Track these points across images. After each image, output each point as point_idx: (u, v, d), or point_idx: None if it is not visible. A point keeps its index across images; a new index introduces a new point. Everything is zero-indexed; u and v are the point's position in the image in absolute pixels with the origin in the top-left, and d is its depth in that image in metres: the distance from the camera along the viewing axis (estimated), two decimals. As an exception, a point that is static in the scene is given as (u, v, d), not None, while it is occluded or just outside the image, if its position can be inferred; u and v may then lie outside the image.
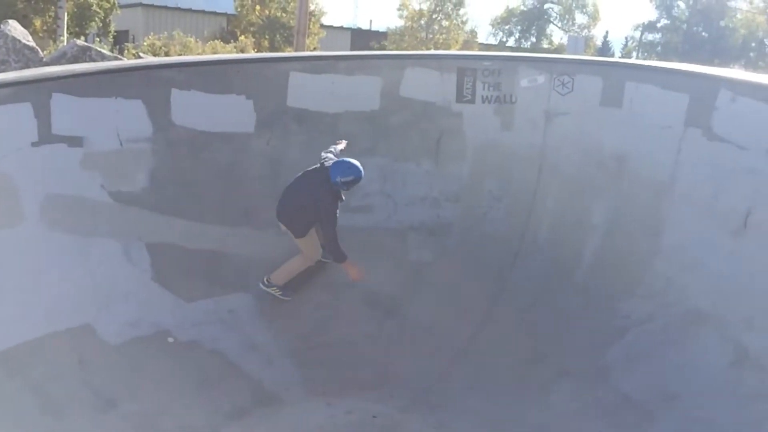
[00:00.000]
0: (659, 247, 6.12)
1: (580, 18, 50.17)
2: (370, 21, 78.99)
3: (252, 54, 23.89)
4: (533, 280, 6.66)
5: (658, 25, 49.50)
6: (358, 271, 6.33)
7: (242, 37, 31.52)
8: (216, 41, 29.37)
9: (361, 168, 6.14)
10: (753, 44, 46.29)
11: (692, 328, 5.39)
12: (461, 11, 42.71)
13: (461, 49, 37.20)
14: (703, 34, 46.13)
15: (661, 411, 4.85)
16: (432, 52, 19.98)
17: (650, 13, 74.62)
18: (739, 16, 45.81)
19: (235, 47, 28.33)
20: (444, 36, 40.94)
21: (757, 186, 5.61)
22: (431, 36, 40.80)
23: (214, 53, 24.76)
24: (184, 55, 23.07)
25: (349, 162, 6.18)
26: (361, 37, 44.25)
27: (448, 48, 37.37)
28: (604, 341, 5.73)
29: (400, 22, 42.00)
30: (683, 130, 6.36)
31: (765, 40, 46.33)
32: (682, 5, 48.09)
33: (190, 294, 6.54)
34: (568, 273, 6.47)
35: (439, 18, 41.82)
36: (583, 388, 5.43)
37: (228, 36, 34.77)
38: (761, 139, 5.66)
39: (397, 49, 34.10)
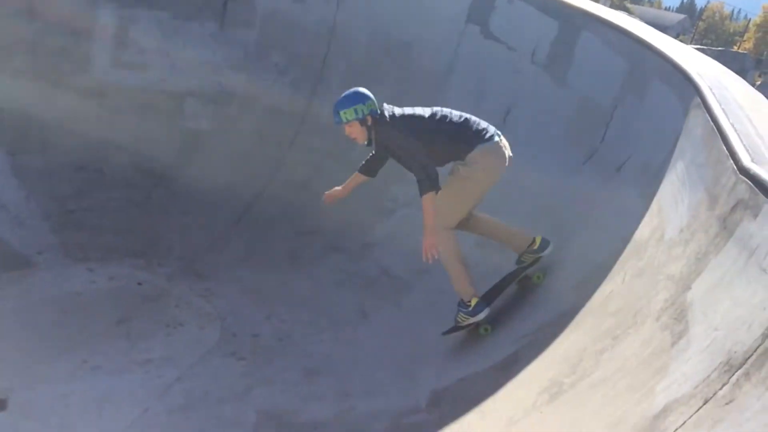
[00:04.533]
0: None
1: None
2: None
3: None
4: (312, 155, 6.74)
5: None
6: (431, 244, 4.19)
7: None
8: None
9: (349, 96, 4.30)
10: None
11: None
12: None
13: None
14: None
15: (415, 283, 5.33)
16: None
17: None
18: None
19: None
20: None
21: (519, 86, 6.12)
22: None
23: None
24: None
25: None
26: None
27: None
28: (372, 220, 6.07)
29: None
30: (464, 25, 6.66)
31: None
32: None
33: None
34: (345, 152, 6.63)
35: None
36: (348, 262, 5.76)
37: None
38: (528, 42, 6.13)
39: None
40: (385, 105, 4.35)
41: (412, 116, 4.32)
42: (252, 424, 3.93)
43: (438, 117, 4.32)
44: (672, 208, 3.52)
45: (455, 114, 4.36)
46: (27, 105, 6.32)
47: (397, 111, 4.33)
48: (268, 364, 4.58)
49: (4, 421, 3.74)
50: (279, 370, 4.50)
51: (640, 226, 3.87)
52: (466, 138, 4.26)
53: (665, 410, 2.23)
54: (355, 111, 4.19)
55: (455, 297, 4.46)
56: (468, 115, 4.38)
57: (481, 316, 4.34)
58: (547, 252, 4.54)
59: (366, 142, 4.39)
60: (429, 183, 4.04)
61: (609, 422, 2.51)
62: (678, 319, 2.64)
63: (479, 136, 4.27)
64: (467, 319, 4.37)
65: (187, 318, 5.09)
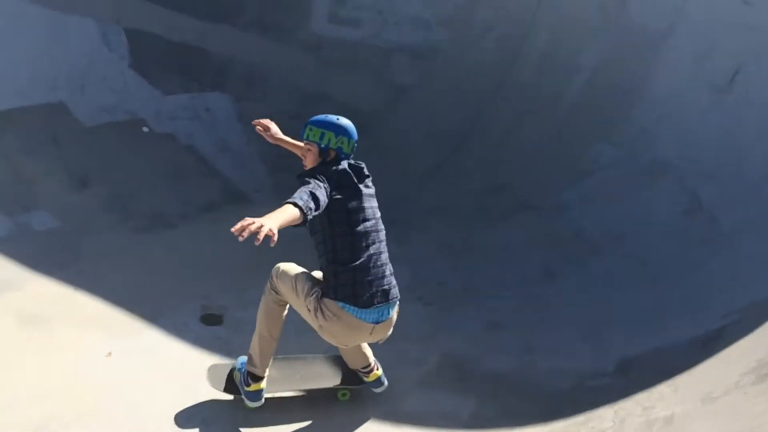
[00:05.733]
0: (641, 97, 6.09)
1: None
2: None
3: None
4: (510, 113, 6.66)
5: None
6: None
7: None
8: None
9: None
10: None
11: (654, 177, 5.54)
12: None
13: None
14: None
15: (607, 247, 5.11)
16: None
17: None
18: None
19: None
20: None
21: (752, 43, 5.50)
22: None
23: None
24: None
25: None
26: None
27: None
28: (568, 180, 5.88)
29: None
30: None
31: None
32: None
33: (168, 87, 6.50)
34: (547, 111, 6.46)
35: None
36: (538, 221, 5.66)
37: None
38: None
39: None
40: (360, 164, 3.36)
41: (353, 193, 3.22)
42: (435, 364, 4.08)
43: (362, 232, 3.22)
44: None
45: (377, 249, 3.27)
46: (253, 56, 6.94)
47: (351, 173, 3.25)
48: (452, 312, 4.70)
49: (222, 333, 4.25)
50: (463, 319, 4.60)
51: None
52: (347, 277, 3.18)
53: None
54: (321, 136, 3.33)
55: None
56: (385, 266, 3.30)
57: (255, 404, 3.48)
58: (375, 389, 3.71)
59: None
60: (298, 200, 2.90)
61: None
62: None
63: (360, 292, 3.18)
64: (242, 394, 3.50)
65: (381, 261, 5.36)
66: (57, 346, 3.76)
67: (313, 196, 2.96)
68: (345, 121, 3.43)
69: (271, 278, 3.44)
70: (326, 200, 3.05)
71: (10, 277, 4.41)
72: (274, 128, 3.98)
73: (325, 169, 3.25)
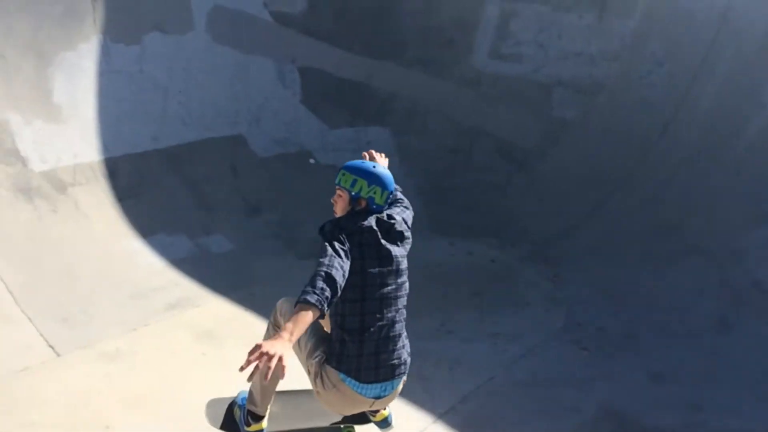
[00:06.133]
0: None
1: None
2: None
3: None
4: (681, 152, 6.28)
5: None
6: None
7: None
8: None
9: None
10: None
11: None
12: None
13: None
14: None
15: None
16: None
17: None
18: None
19: None
20: None
21: None
22: None
23: None
24: None
25: None
26: None
27: None
28: (745, 224, 5.43)
29: None
30: None
31: None
32: None
33: (334, 121, 6.86)
34: (722, 150, 6.02)
35: None
36: (710, 266, 5.27)
37: None
38: None
39: None
40: (392, 219, 3.03)
41: (374, 257, 2.92)
42: (591, 414, 3.90)
43: (376, 299, 2.94)
44: None
45: (392, 318, 3.00)
46: (414, 91, 7.15)
47: (378, 230, 2.94)
48: (612, 359, 4.48)
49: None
50: (623, 368, 4.36)
51: None
52: (353, 349, 2.93)
53: None
54: (353, 183, 3.03)
55: None
56: (397, 337, 3.03)
57: None
58: (381, 429, 3.44)
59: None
60: (311, 294, 2.60)
61: None
62: None
63: (365, 366, 2.95)
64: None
65: (534, 299, 5.26)
66: (227, 362, 4.07)
67: (329, 280, 2.64)
68: (381, 170, 3.10)
69: (274, 313, 3.24)
70: (345, 275, 2.74)
71: (190, 294, 4.86)
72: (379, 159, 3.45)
73: (350, 223, 2.95)
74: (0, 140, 5.00)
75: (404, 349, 3.09)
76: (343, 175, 3.08)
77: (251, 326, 4.46)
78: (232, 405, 3.41)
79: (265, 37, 6.71)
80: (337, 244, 2.80)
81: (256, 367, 2.37)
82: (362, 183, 3.02)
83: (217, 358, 4.19)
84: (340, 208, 3.12)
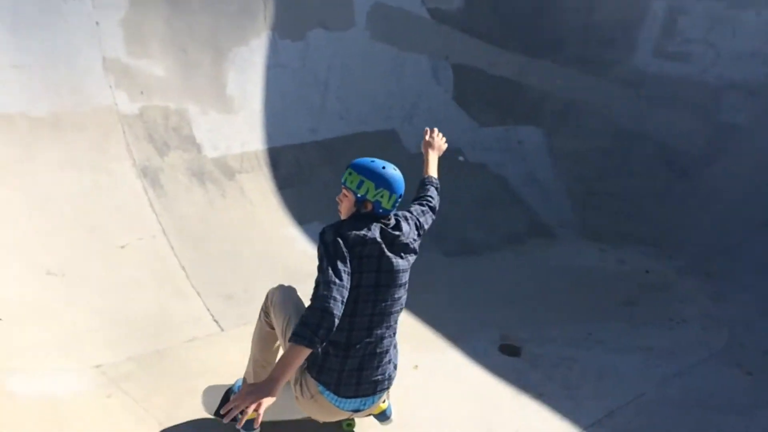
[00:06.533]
0: None
1: None
2: None
3: None
4: None
5: None
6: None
7: None
8: None
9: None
10: None
11: None
12: None
13: None
14: None
15: None
16: None
17: None
18: None
19: None
20: None
21: None
22: None
23: None
24: None
25: None
26: None
27: None
28: None
29: None
30: None
31: None
32: None
33: (484, 119, 6.83)
34: None
35: None
36: None
37: None
38: None
39: None
40: (401, 219, 2.96)
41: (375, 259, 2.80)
42: (755, 444, 3.64)
43: (367, 315, 2.83)
44: None
45: (381, 334, 2.88)
46: (570, 91, 6.95)
47: (382, 242, 2.82)
48: (780, 387, 4.14)
49: (519, 366, 4.29)
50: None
51: None
52: (335, 363, 2.83)
53: None
54: (360, 184, 2.86)
55: None
56: (384, 354, 2.92)
57: None
58: (381, 422, 3.26)
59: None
60: (307, 332, 2.52)
61: None
62: None
63: (346, 381, 2.85)
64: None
65: (692, 316, 4.95)
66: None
67: (326, 317, 2.54)
68: (391, 172, 2.90)
69: (266, 300, 3.17)
70: (344, 302, 2.63)
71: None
72: (437, 143, 3.75)
73: (352, 231, 2.79)
74: (179, 127, 5.45)
75: (390, 363, 2.99)
76: (350, 174, 2.91)
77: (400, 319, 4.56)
78: (228, 392, 3.38)
79: (420, 34, 6.79)
80: (339, 264, 2.67)
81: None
82: (369, 185, 2.86)
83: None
84: (344, 208, 2.98)
